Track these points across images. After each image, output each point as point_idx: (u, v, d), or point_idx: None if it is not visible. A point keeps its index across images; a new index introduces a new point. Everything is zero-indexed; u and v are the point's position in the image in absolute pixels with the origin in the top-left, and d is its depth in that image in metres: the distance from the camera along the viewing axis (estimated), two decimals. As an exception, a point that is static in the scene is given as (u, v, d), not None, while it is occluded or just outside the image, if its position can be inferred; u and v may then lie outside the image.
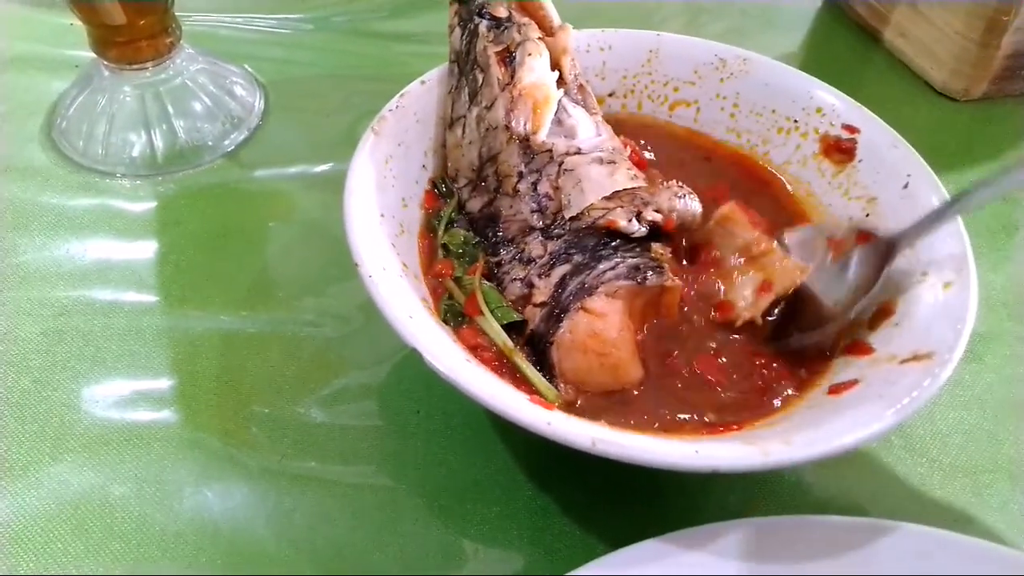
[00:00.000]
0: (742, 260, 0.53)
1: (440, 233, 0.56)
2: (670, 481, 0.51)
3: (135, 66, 0.72)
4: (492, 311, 0.50)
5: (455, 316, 0.51)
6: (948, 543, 0.43)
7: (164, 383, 0.55)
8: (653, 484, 0.51)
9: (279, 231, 0.67)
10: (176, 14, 0.73)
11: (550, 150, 0.54)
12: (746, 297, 0.51)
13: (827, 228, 0.56)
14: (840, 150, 0.59)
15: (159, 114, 0.72)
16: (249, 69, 0.81)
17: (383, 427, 0.54)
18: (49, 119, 0.74)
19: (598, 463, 0.39)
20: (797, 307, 0.52)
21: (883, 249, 0.51)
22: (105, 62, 0.71)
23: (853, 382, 0.45)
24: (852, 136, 0.59)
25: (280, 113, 0.78)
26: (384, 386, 0.56)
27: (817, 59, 0.91)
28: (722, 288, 0.52)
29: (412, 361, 0.55)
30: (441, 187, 0.59)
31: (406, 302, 0.45)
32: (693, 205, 0.53)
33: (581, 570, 0.40)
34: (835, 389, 0.46)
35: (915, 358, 0.44)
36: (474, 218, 0.57)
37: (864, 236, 0.53)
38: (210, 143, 0.73)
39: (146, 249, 0.64)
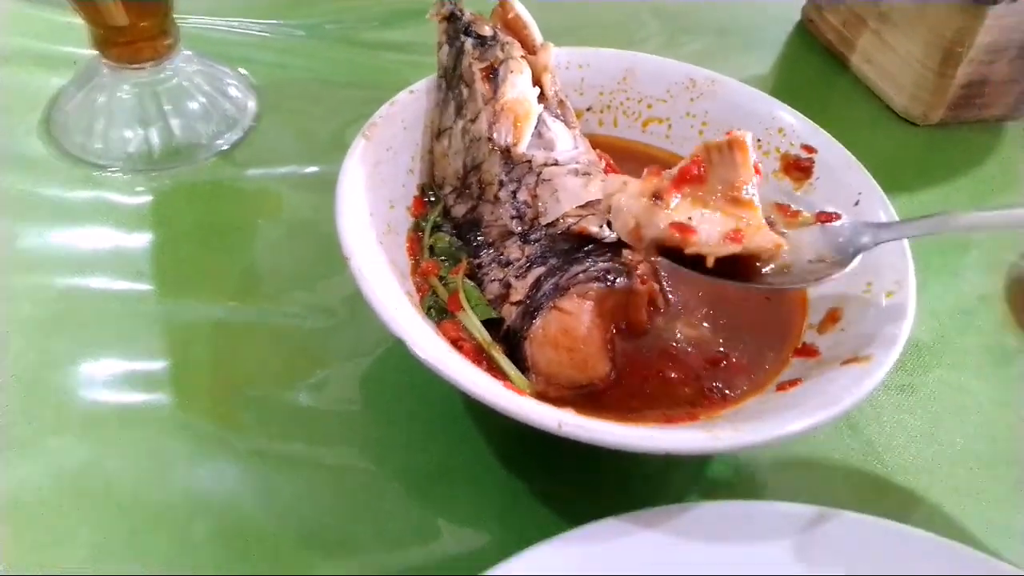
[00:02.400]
0: (725, 195, 0.49)
1: (427, 235, 0.59)
2: (633, 469, 0.55)
3: (134, 66, 0.74)
4: (472, 307, 0.53)
5: (438, 311, 0.54)
6: (887, 531, 0.46)
7: (158, 367, 0.57)
8: (617, 471, 0.54)
9: (269, 228, 0.70)
10: (174, 17, 0.75)
11: (529, 161, 0.58)
12: (711, 235, 0.47)
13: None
14: (799, 168, 0.63)
15: (156, 112, 0.75)
16: (244, 72, 0.84)
17: (366, 413, 0.56)
18: (48, 113, 0.76)
19: (565, 448, 0.43)
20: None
21: (854, 233, 0.52)
22: (105, 60, 0.74)
23: (799, 380, 0.49)
24: (810, 155, 0.62)
25: (273, 115, 0.80)
26: (368, 375, 0.59)
27: (787, 81, 0.95)
28: (693, 215, 0.48)
29: (395, 352, 0.59)
30: (429, 194, 0.62)
31: (392, 295, 0.49)
32: None
33: (543, 544, 0.43)
34: (783, 386, 0.50)
35: (856, 359, 0.48)
36: (458, 223, 0.60)
37: (827, 216, 0.53)
38: (204, 142, 0.75)
39: (141, 240, 0.66)
